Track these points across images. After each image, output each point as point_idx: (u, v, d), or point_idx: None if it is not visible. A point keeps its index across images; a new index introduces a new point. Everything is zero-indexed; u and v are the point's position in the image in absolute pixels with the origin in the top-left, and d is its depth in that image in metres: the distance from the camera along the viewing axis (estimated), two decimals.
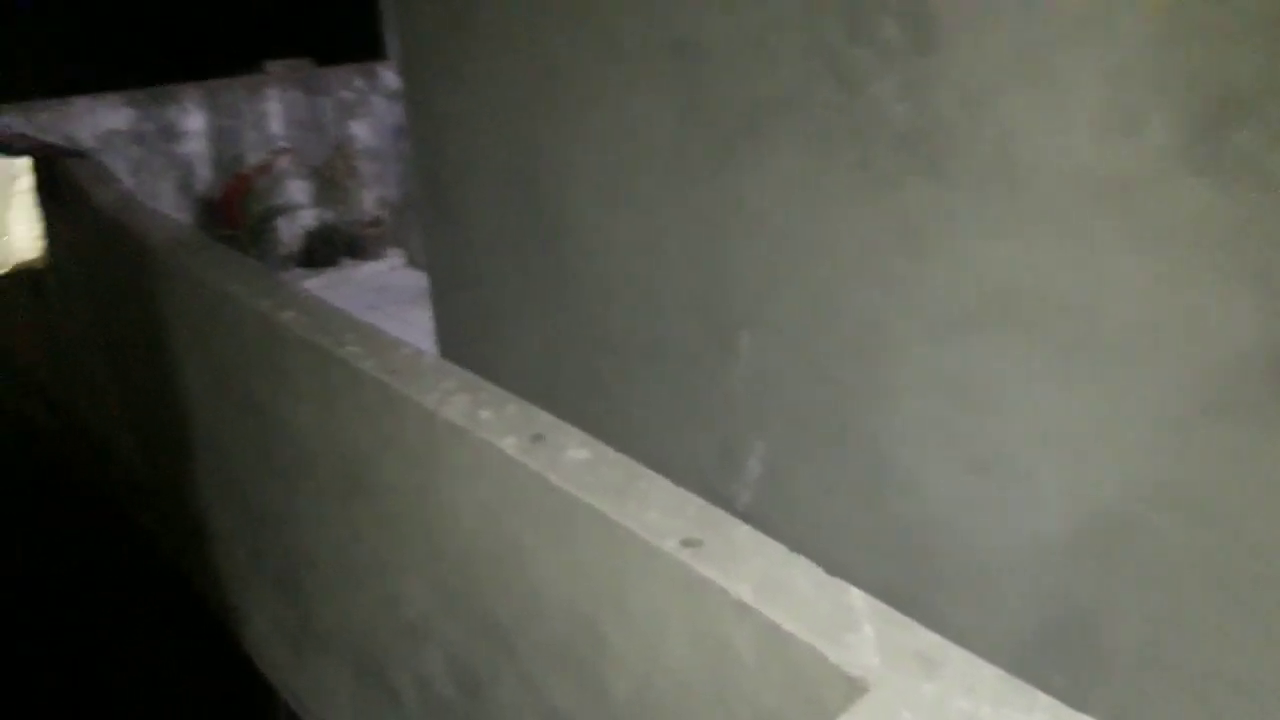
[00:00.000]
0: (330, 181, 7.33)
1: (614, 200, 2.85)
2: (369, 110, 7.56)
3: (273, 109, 7.03)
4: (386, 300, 6.11)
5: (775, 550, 1.43)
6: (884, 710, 1.12)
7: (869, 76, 2.12)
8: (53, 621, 5.47)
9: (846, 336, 2.32)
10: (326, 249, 7.00)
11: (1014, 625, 2.11)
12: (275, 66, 7.37)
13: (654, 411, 2.87)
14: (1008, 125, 1.92)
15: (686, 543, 1.45)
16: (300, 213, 6.99)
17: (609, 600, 1.61)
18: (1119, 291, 1.84)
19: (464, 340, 3.74)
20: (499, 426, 1.82)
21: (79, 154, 4.27)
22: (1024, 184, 1.93)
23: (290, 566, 2.98)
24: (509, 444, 1.76)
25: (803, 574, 1.37)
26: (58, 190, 4.00)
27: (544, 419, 1.84)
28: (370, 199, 7.56)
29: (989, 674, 1.16)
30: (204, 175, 6.79)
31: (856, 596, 1.33)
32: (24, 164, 0.92)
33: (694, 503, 1.56)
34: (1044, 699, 1.11)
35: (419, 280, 4.90)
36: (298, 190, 7.04)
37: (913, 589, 2.31)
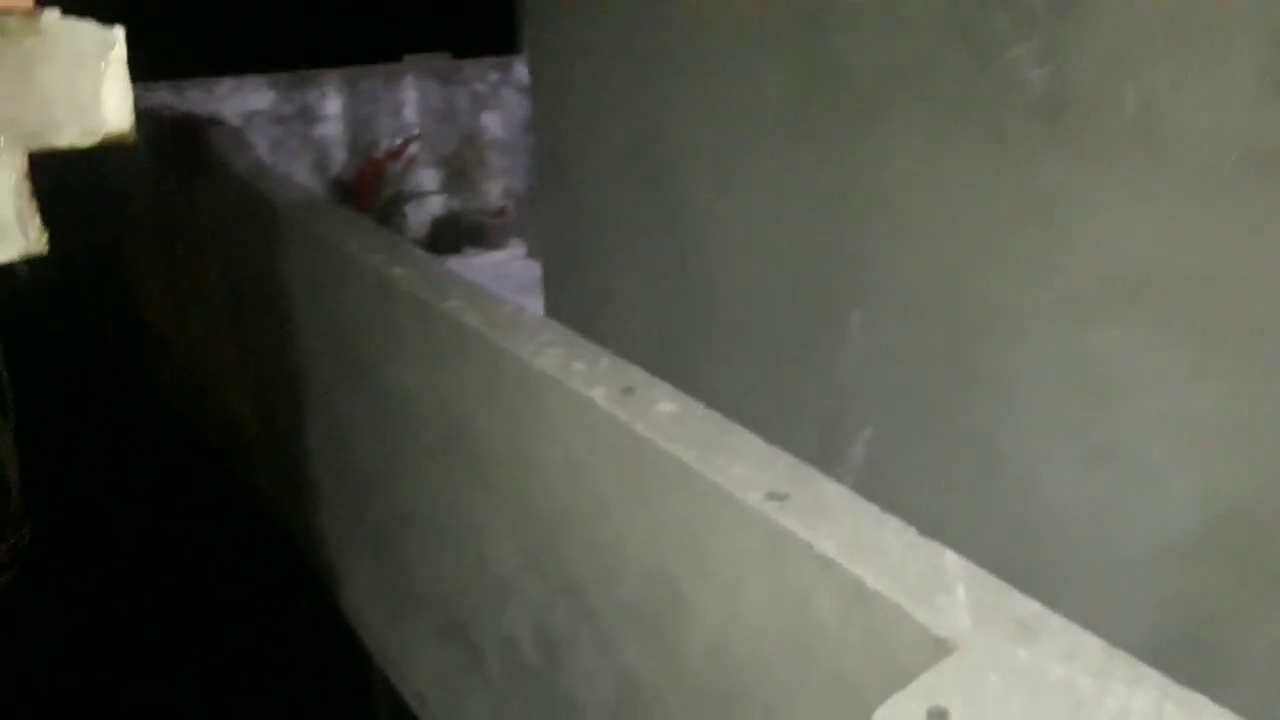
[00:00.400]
0: (459, 170, 7.47)
1: (730, 177, 2.79)
2: (501, 103, 7.68)
3: (408, 97, 7.20)
4: (503, 287, 6.13)
5: (867, 509, 1.34)
6: (970, 671, 1.02)
7: (1004, 42, 2.01)
8: (166, 581, 5.71)
9: (965, 318, 2.20)
10: (451, 236, 7.13)
11: (1132, 632, 1.95)
12: (414, 59, 7.56)
13: (759, 393, 2.79)
14: (1152, 91, 1.79)
15: (772, 496, 1.38)
16: (428, 199, 7.14)
17: (689, 557, 1.54)
18: (1268, 273, 1.68)
19: (571, 321, 3.73)
20: (590, 378, 1.78)
21: (219, 124, 4.44)
22: (1168, 155, 1.79)
23: (387, 528, 3.01)
24: (598, 394, 1.71)
25: (894, 534, 1.29)
26: (199, 156, 4.17)
27: (636, 374, 1.78)
28: (496, 190, 7.67)
29: (1091, 644, 1.05)
30: (339, 157, 7.00)
31: (951, 559, 1.23)
32: (119, 33, 0.92)
33: (784, 459, 1.48)
34: (1151, 673, 0.99)
35: (537, 271, 4.93)
36: (427, 177, 7.20)
37: (1022, 589, 2.17)
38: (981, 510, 2.22)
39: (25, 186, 0.99)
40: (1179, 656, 1.88)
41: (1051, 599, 2.13)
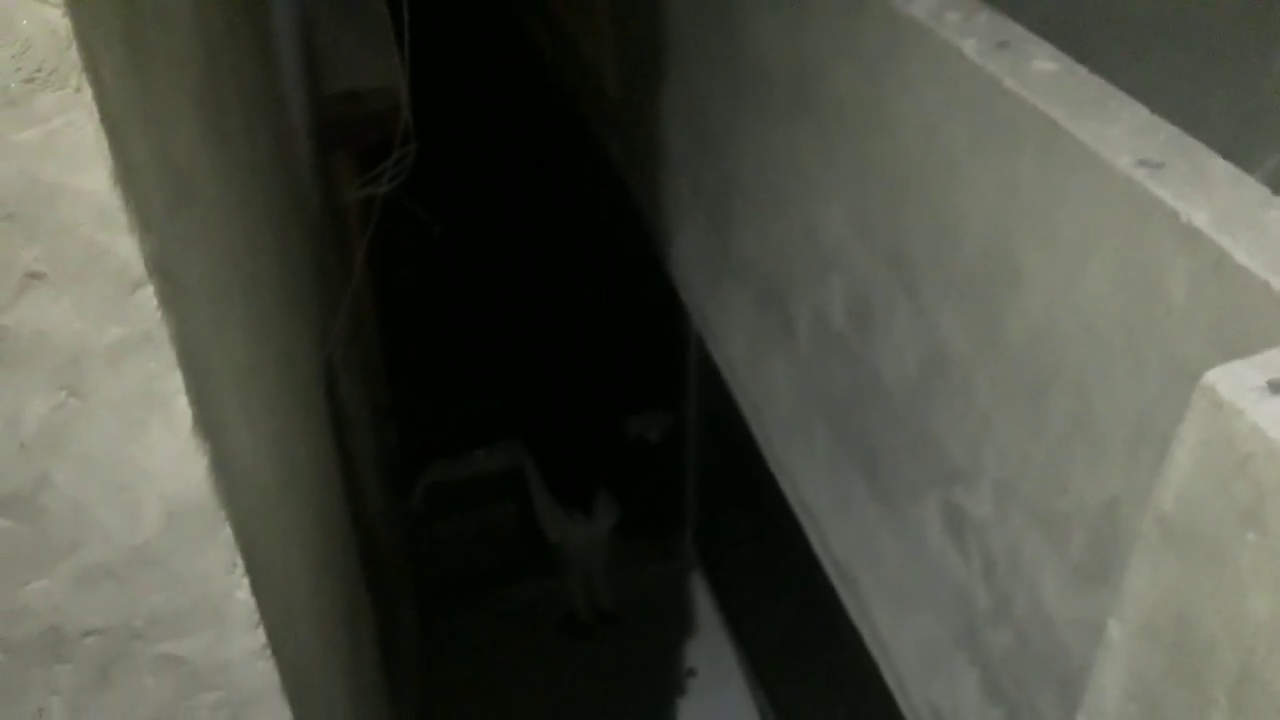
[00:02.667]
0: None
1: None
2: None
3: None
4: None
5: (1254, 188, 1.18)
6: None
7: None
8: (519, 213, 6.26)
9: None
10: None
11: None
12: None
13: (1155, 103, 2.47)
14: None
15: (1144, 163, 1.24)
16: None
17: (1036, 224, 1.44)
18: None
19: None
20: (964, 29, 1.63)
21: None
22: None
23: (724, 193, 3.05)
24: (969, 45, 1.58)
25: None
26: None
27: (1015, 30, 1.62)
28: None
29: None
30: None
31: None
32: None
33: (1169, 130, 1.31)
34: None
35: None
36: None
37: None
38: None
39: None
40: None
41: None
